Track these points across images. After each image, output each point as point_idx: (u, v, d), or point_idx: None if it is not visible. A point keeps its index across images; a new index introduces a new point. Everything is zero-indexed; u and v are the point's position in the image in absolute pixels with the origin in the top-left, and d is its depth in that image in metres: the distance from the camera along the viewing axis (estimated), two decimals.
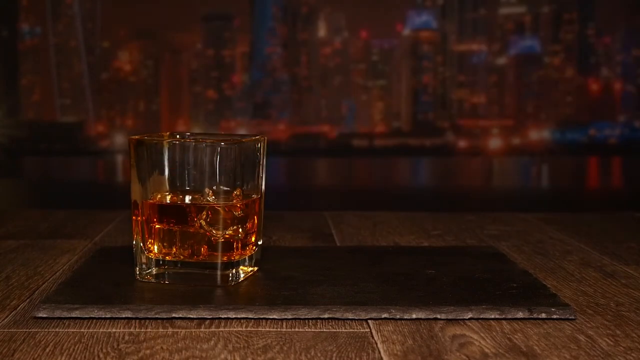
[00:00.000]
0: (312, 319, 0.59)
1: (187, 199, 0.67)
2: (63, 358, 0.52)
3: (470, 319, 0.60)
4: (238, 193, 0.67)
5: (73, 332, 0.57)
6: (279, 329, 0.57)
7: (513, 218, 1.04)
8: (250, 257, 0.69)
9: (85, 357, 0.52)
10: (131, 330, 0.57)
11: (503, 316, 0.60)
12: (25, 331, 0.57)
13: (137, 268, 0.68)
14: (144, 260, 0.67)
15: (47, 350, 0.53)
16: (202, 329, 0.57)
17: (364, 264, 0.74)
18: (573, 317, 0.60)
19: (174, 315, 0.59)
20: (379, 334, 0.57)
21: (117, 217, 1.01)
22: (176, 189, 0.68)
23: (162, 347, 0.54)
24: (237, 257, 0.67)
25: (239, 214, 0.67)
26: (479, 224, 1.00)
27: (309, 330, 0.57)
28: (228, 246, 0.66)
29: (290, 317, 0.59)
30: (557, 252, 0.84)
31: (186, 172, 0.67)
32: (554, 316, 0.60)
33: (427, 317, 0.59)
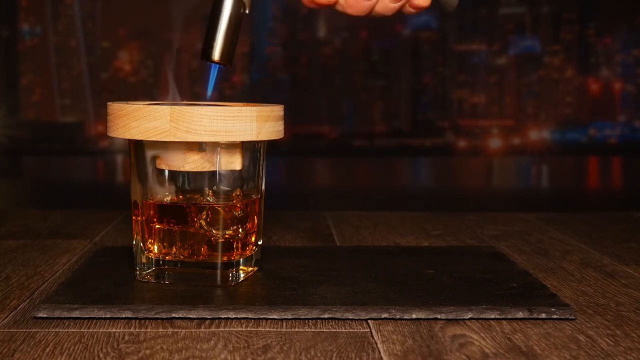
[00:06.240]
0: (312, 319, 0.59)
1: (187, 198, 0.67)
2: (63, 358, 0.52)
3: (470, 319, 0.60)
4: (238, 193, 0.67)
5: (73, 332, 0.57)
6: (279, 329, 0.57)
7: (513, 218, 1.04)
8: (250, 257, 0.69)
9: (85, 357, 0.52)
10: (131, 330, 0.57)
11: (503, 316, 0.60)
12: (25, 331, 0.57)
13: (137, 268, 0.68)
14: (144, 260, 0.67)
15: (47, 350, 0.53)
16: (202, 329, 0.57)
17: (364, 264, 0.74)
18: (573, 317, 0.60)
19: (174, 315, 0.59)
20: (379, 334, 0.57)
21: (117, 217, 1.01)
22: (176, 189, 0.68)
23: (162, 347, 0.54)
24: (237, 257, 0.67)
25: (239, 214, 0.67)
26: (479, 224, 1.00)
27: (309, 330, 0.57)
28: (228, 246, 0.66)
29: (290, 317, 0.59)
30: (557, 252, 0.84)
31: (186, 171, 0.67)
32: (554, 316, 0.60)
33: (427, 317, 0.59)
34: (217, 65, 0.69)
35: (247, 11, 0.68)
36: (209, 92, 0.70)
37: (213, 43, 0.68)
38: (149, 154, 0.66)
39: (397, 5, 0.68)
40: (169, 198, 0.68)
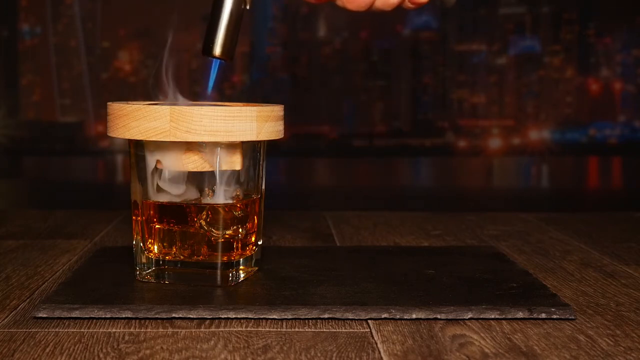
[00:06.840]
0: (312, 319, 0.59)
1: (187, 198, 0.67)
2: (63, 358, 0.52)
3: (470, 319, 0.60)
4: (238, 193, 0.67)
5: (73, 332, 0.57)
6: (279, 329, 0.57)
7: (513, 218, 1.04)
8: (250, 257, 0.69)
9: (85, 357, 0.52)
10: (131, 330, 0.57)
11: (503, 316, 0.60)
12: (25, 331, 0.57)
13: (137, 268, 0.68)
14: (144, 260, 0.67)
15: (47, 350, 0.53)
16: (202, 329, 0.57)
17: (364, 264, 0.74)
18: (573, 317, 0.60)
19: (174, 315, 0.59)
20: (379, 334, 0.57)
21: (117, 217, 1.01)
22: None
23: (162, 347, 0.54)
24: (237, 257, 0.67)
25: (239, 214, 0.67)
26: (479, 224, 1.00)
27: (309, 330, 0.57)
28: (228, 246, 0.66)
29: (290, 317, 0.59)
30: (557, 252, 0.84)
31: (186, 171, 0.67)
32: (554, 316, 0.60)
33: (427, 317, 0.59)
34: (218, 61, 0.69)
35: (247, 7, 0.68)
36: (210, 87, 0.70)
37: (214, 38, 0.68)
38: (149, 154, 0.66)
39: (396, 0, 0.68)
40: (168, 198, 0.68)
